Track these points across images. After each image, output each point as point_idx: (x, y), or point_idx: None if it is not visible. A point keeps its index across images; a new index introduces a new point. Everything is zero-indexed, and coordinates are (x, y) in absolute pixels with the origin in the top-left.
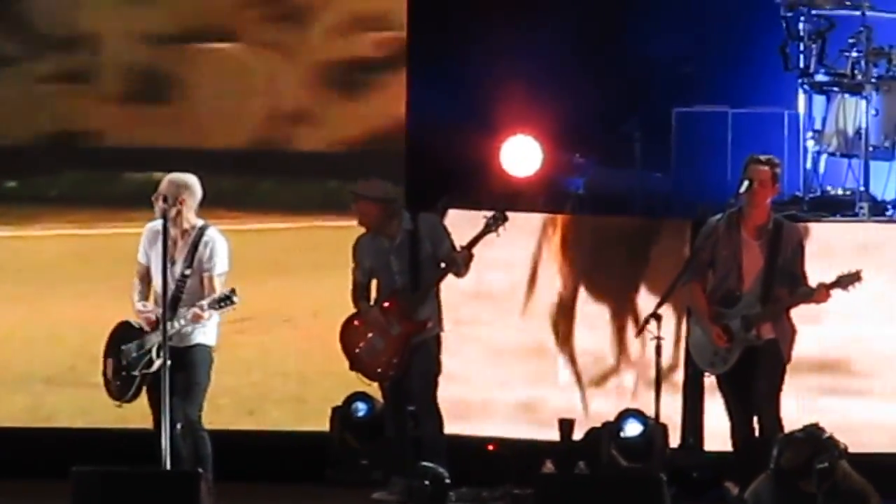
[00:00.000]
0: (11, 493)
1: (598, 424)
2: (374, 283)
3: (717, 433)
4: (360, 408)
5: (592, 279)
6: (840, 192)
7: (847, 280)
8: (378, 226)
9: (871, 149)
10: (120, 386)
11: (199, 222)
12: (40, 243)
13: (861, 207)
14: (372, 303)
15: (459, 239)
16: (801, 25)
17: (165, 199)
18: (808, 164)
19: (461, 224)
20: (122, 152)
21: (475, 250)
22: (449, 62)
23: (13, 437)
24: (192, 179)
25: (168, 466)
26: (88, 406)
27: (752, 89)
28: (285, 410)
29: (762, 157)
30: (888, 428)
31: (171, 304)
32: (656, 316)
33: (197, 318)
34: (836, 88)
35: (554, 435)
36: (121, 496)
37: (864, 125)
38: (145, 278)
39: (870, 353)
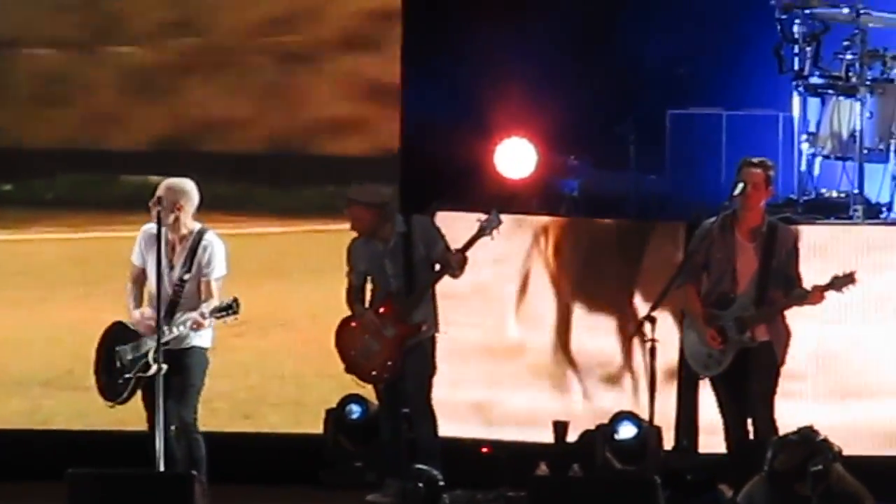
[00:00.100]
0: (8, 495)
1: (593, 426)
2: (368, 286)
3: (712, 435)
4: (355, 410)
5: (586, 281)
6: (834, 194)
7: (841, 282)
8: (371, 230)
9: (865, 151)
10: (113, 386)
11: (197, 226)
12: (37, 247)
13: (855, 210)
14: (367, 305)
15: (453, 242)
16: (795, 28)
17: (162, 202)
18: (803, 167)
19: (455, 226)
20: (118, 155)
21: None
22: (444, 64)
23: (10, 440)
24: (189, 185)
25: (162, 468)
26: (86, 409)
27: (747, 91)
28: (282, 414)
29: (756, 160)
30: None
31: (170, 308)
32: (650, 318)
33: (198, 326)
34: (830, 91)
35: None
36: (116, 498)
37: (858, 128)
38: (139, 280)
39: (866, 352)
